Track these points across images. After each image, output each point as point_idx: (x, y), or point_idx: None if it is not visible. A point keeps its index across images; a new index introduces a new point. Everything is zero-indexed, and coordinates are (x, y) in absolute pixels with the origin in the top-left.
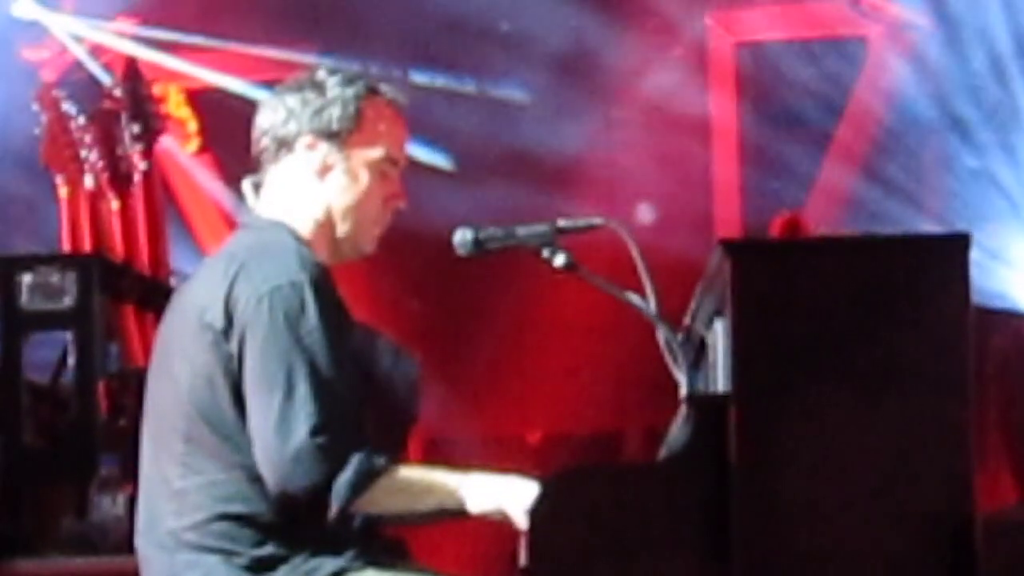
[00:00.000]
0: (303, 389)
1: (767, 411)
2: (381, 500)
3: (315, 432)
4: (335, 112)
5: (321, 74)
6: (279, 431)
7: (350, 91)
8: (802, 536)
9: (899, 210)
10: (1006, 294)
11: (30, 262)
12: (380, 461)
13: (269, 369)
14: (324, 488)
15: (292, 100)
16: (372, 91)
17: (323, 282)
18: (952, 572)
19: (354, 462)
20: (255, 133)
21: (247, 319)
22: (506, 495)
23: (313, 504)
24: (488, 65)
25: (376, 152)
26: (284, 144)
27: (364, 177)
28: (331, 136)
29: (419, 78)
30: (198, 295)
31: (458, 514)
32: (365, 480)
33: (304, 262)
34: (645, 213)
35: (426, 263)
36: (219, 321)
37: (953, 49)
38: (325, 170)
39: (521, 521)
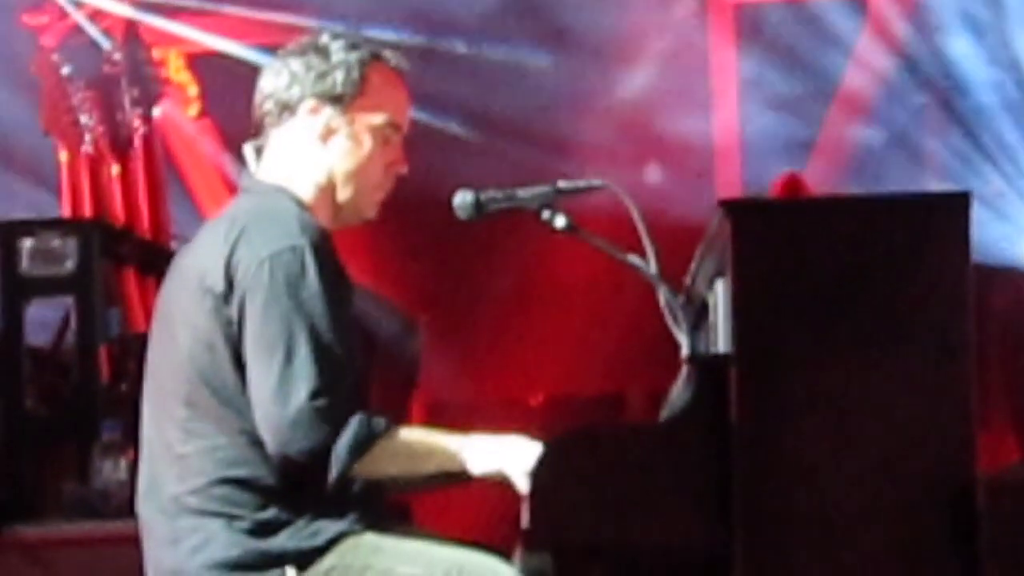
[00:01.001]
0: (303, 353)
1: (768, 371)
2: (381, 463)
3: (314, 395)
4: (339, 76)
5: (325, 38)
6: (278, 395)
7: (354, 56)
8: (803, 495)
9: (902, 167)
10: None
11: (30, 227)
12: (379, 424)
13: (269, 333)
14: (323, 451)
15: (296, 64)
16: (376, 56)
17: (324, 247)
18: (954, 531)
19: (353, 425)
20: (257, 97)
21: (247, 283)
22: (508, 457)
23: (313, 467)
24: (487, 29)
25: (379, 117)
26: (287, 108)
27: (367, 142)
28: (334, 100)
29: (417, 41)
30: (198, 259)
31: (459, 477)
32: (364, 443)
33: (305, 227)
34: (653, 174)
35: (427, 227)
36: (219, 285)
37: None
38: (328, 134)
39: (522, 483)
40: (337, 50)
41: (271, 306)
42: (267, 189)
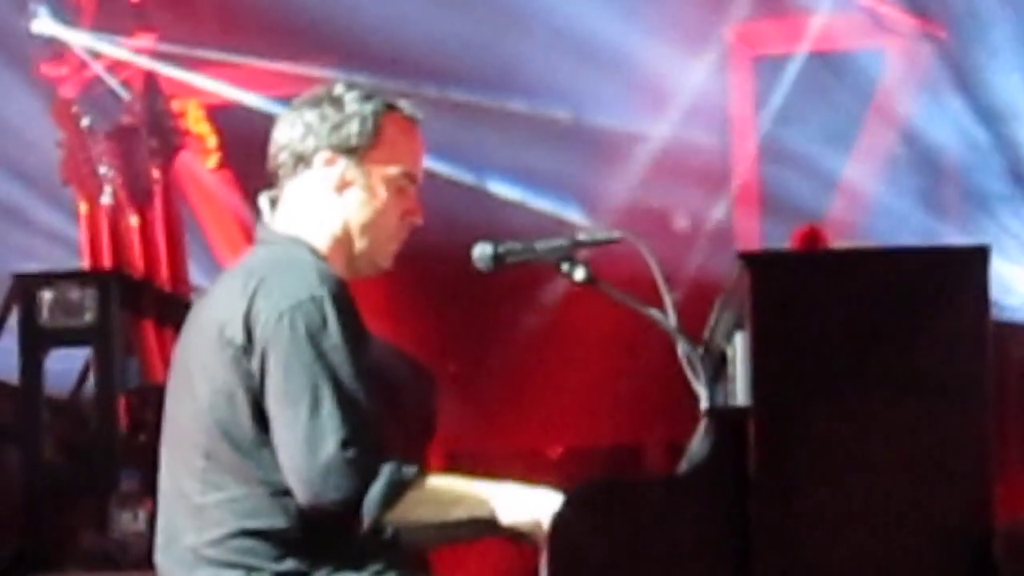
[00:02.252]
0: (329, 404)
1: (787, 424)
2: (412, 511)
3: (344, 445)
4: (354, 128)
5: (339, 89)
6: (308, 446)
7: (368, 106)
8: (822, 548)
9: (921, 219)
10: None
11: (50, 278)
12: (410, 471)
13: (293, 385)
14: (356, 500)
15: (310, 115)
16: (390, 107)
17: (343, 297)
18: None
19: (385, 473)
20: (272, 148)
21: (268, 336)
22: (537, 505)
23: (344, 516)
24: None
25: (394, 168)
26: (302, 159)
27: (382, 193)
28: (349, 152)
29: (434, 92)
30: (217, 310)
31: (488, 526)
32: (396, 491)
33: (323, 277)
34: (681, 221)
35: (445, 277)
36: (239, 337)
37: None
38: (343, 186)
39: (545, 533)
40: (351, 101)
41: (294, 358)
42: (283, 240)
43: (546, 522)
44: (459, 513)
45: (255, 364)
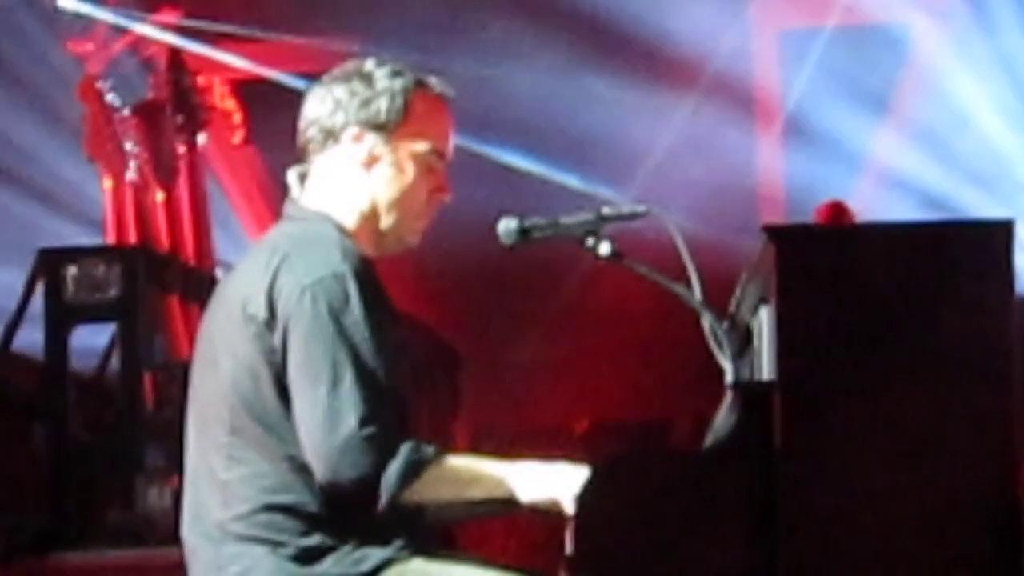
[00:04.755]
0: (349, 380)
1: (812, 398)
2: (430, 489)
3: (363, 423)
4: (383, 104)
5: (369, 65)
6: (327, 423)
7: (398, 83)
8: (847, 522)
9: (947, 191)
10: None
11: (75, 254)
12: (429, 450)
13: (314, 361)
14: (374, 478)
15: (340, 91)
16: (420, 84)
17: (365, 273)
18: (998, 556)
19: (403, 451)
20: (301, 123)
21: (290, 311)
22: (556, 482)
23: (363, 494)
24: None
25: (423, 145)
26: (331, 135)
27: (410, 170)
28: (378, 128)
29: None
30: (241, 286)
31: (507, 504)
32: (414, 469)
33: (346, 253)
34: (697, 200)
35: (472, 252)
36: (262, 313)
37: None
38: (371, 162)
39: (570, 507)
40: (381, 77)
41: (314, 334)
42: (310, 216)
43: (566, 500)
44: (477, 492)
45: (277, 340)
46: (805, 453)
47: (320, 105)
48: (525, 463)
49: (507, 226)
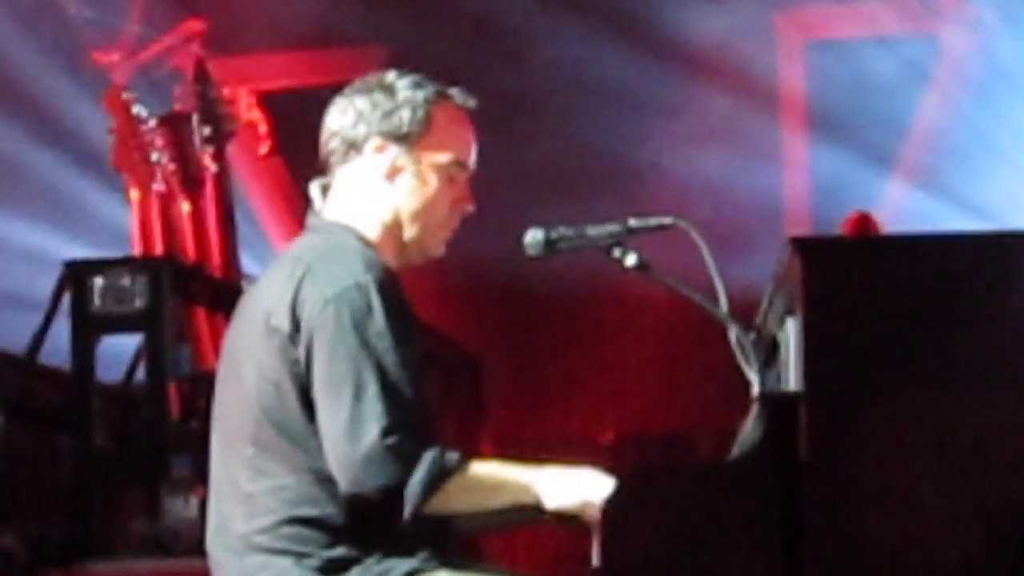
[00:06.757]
0: (372, 391)
1: (838, 410)
2: (455, 498)
3: (386, 433)
4: (405, 115)
5: (391, 76)
6: (350, 433)
7: (420, 94)
8: (873, 534)
9: (974, 202)
10: None
11: (101, 265)
12: (453, 457)
13: (337, 372)
14: (398, 488)
15: (362, 102)
16: (442, 95)
17: (389, 284)
18: None
19: (426, 461)
20: (324, 134)
21: (314, 323)
22: (583, 488)
23: (386, 504)
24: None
25: (445, 156)
26: (353, 146)
27: (433, 181)
28: (400, 139)
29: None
30: (264, 298)
31: (534, 512)
32: (438, 479)
33: (369, 264)
34: (723, 211)
35: (498, 263)
36: (285, 325)
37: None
38: (394, 173)
39: (597, 514)
40: (403, 88)
41: (338, 345)
42: (332, 227)
43: (594, 504)
44: (503, 500)
45: (301, 352)
46: (831, 465)
47: (342, 116)
48: (551, 468)
49: (533, 237)
